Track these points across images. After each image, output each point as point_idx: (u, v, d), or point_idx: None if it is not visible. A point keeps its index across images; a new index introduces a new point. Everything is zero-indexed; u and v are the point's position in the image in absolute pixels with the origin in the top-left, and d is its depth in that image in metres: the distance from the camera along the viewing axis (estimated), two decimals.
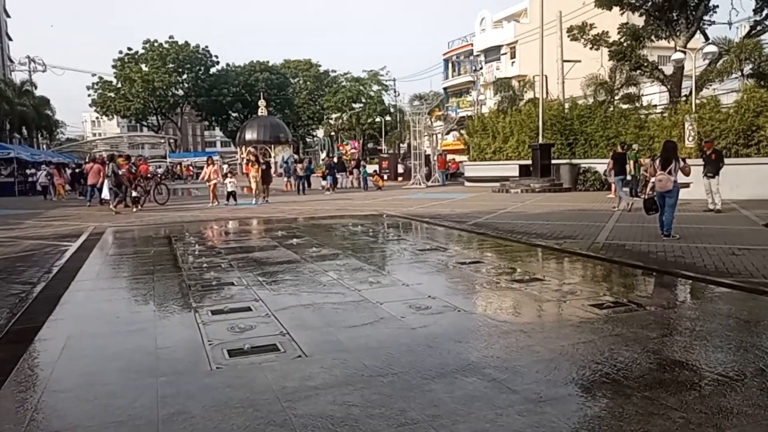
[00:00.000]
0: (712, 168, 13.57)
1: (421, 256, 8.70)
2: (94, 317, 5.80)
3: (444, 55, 59.28)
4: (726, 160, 14.51)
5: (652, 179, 9.77)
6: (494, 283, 6.79)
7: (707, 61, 22.47)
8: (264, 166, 21.89)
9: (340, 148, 58.45)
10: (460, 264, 8.03)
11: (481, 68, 49.87)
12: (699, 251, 8.50)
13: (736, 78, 24.41)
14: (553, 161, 23.60)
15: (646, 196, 10.21)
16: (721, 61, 23.10)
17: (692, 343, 4.47)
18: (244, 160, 55.18)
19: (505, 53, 49.52)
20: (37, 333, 5.16)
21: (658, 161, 9.70)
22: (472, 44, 54.43)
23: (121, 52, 65.72)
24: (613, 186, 19.21)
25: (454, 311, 5.49)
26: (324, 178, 27.91)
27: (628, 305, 5.55)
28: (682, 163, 9.59)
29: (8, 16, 68.74)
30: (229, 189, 20.50)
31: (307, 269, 7.82)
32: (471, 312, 5.59)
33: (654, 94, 31.71)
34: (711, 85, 24.81)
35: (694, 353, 4.25)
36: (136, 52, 65.64)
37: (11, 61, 62.57)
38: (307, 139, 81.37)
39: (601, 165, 21.54)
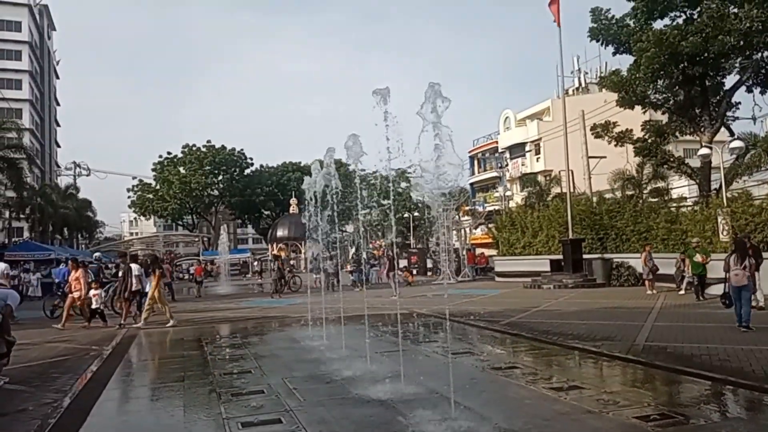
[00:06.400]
0: None
1: (453, 360, 8.47)
2: (124, 431, 5.73)
3: (469, 152, 60.66)
4: (764, 254, 14.14)
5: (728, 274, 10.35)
6: (531, 392, 6.53)
7: (734, 156, 22.51)
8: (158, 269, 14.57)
9: (380, 243, 58.64)
10: (494, 369, 7.80)
11: (506, 164, 50.75)
12: (745, 353, 8.12)
13: (766, 170, 24.31)
14: (585, 256, 23.29)
15: (724, 292, 10.74)
16: (749, 155, 23.13)
17: None
18: (272, 256, 56.19)
19: (530, 150, 50.45)
20: None
21: (733, 257, 10.28)
22: (496, 142, 55.72)
23: (160, 156, 69.17)
24: (647, 283, 18.76)
25: (492, 426, 5.25)
26: (351, 273, 27.97)
27: (676, 417, 5.26)
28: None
29: (58, 125, 73.70)
30: (94, 305, 14.44)
31: (338, 376, 7.65)
32: (509, 427, 5.33)
33: (683, 186, 31.62)
34: (741, 178, 24.71)
35: None
36: (175, 156, 68.86)
37: (58, 166, 66.40)
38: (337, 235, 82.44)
39: (634, 260, 21.20)
